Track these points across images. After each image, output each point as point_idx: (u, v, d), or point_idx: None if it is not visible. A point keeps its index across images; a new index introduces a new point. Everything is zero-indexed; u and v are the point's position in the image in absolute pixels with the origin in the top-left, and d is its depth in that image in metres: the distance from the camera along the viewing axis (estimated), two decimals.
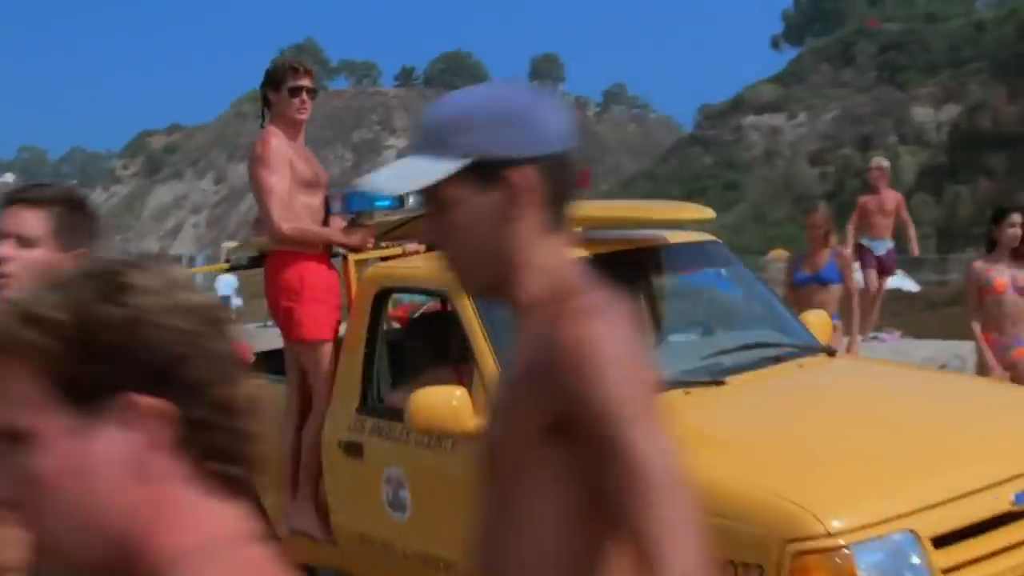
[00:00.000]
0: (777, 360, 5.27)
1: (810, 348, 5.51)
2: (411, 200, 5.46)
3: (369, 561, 5.51)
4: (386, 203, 5.66)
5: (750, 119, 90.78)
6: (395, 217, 6.35)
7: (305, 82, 5.64)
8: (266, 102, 5.71)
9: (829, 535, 3.75)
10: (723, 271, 6.01)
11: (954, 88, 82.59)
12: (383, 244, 6.23)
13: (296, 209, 5.50)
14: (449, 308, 5.82)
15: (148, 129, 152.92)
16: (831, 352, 5.58)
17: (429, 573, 5.03)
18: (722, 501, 3.78)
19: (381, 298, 5.54)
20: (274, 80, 5.66)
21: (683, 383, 4.71)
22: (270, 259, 5.66)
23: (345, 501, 5.56)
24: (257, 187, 5.51)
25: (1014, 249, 7.70)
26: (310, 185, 5.62)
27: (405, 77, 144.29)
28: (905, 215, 11.91)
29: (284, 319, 5.51)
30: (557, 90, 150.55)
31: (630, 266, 5.25)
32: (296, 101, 5.59)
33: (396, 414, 5.05)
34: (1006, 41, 72.56)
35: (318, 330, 5.49)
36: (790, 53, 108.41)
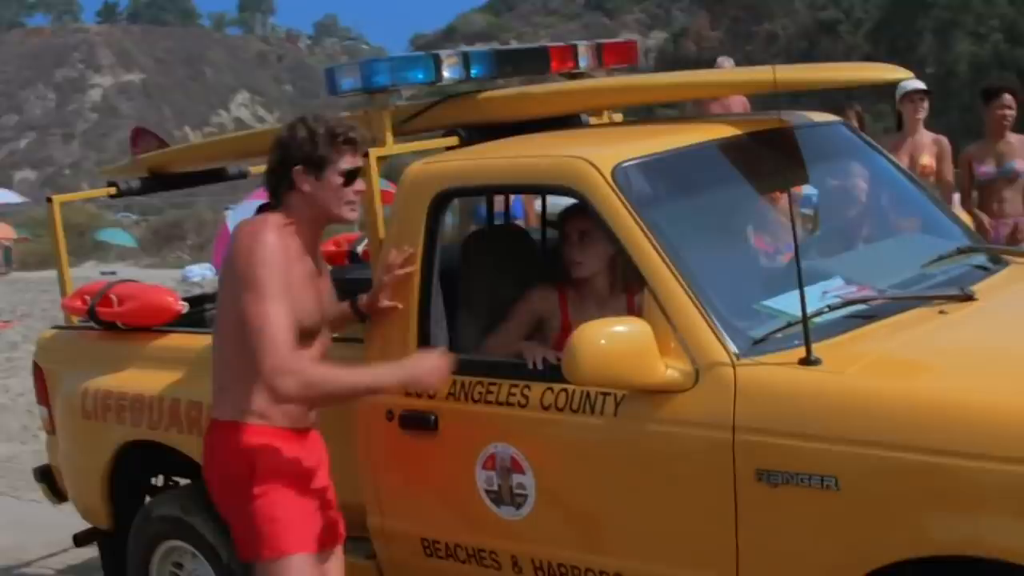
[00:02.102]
0: (986, 269, 4.14)
1: (1006, 252, 4.46)
2: (448, 72, 4.30)
3: None
4: (420, 75, 4.29)
5: (463, 48, 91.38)
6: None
7: (360, 162, 3.73)
8: (284, 177, 3.66)
9: None
10: (864, 158, 4.60)
11: (659, 15, 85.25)
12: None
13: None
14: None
15: None
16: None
17: None
18: None
19: (439, 206, 4.04)
20: (313, 154, 3.62)
21: (926, 299, 3.70)
22: (212, 430, 3.78)
23: (401, 495, 4.14)
24: (244, 312, 3.50)
25: None
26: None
27: (108, 13, 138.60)
28: None
29: (234, 525, 3.79)
30: (267, 24, 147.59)
31: (766, 151, 4.02)
32: (349, 192, 3.66)
33: (495, 367, 3.87)
34: None
35: (290, 539, 3.67)
36: None
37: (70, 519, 5.50)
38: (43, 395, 5.35)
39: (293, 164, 3.63)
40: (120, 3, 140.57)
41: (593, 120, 4.97)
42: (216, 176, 5.86)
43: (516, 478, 3.77)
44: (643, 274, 3.53)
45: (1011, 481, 2.89)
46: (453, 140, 4.44)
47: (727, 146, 3.96)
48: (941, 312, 3.63)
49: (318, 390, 3.52)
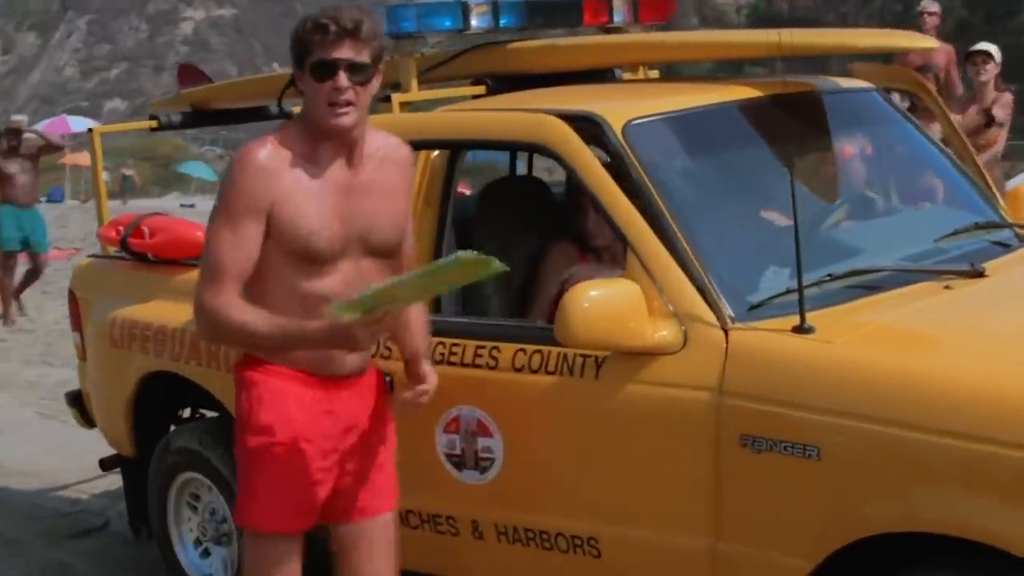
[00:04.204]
0: (1005, 246, 4.00)
1: None
2: (477, 20, 4.23)
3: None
4: (447, 23, 4.24)
5: None
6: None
7: (344, 52, 3.12)
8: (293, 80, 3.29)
9: None
10: (894, 127, 4.45)
11: None
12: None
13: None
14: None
15: None
16: None
17: (534, 557, 3.68)
18: None
19: (452, 159, 3.98)
20: (295, 47, 3.21)
21: (934, 273, 3.62)
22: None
23: None
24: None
25: None
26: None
27: None
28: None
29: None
30: None
31: (789, 115, 3.97)
32: (325, 88, 3.14)
33: (457, 328, 3.80)
34: None
35: (263, 515, 3.36)
36: None
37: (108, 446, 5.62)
38: (76, 321, 5.45)
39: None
40: None
41: (628, 76, 4.94)
42: (257, 114, 5.89)
43: (482, 442, 3.69)
44: (624, 235, 3.49)
45: (995, 463, 2.86)
46: (480, 89, 4.44)
47: (742, 108, 3.92)
48: (947, 287, 3.56)
49: (228, 337, 3.28)
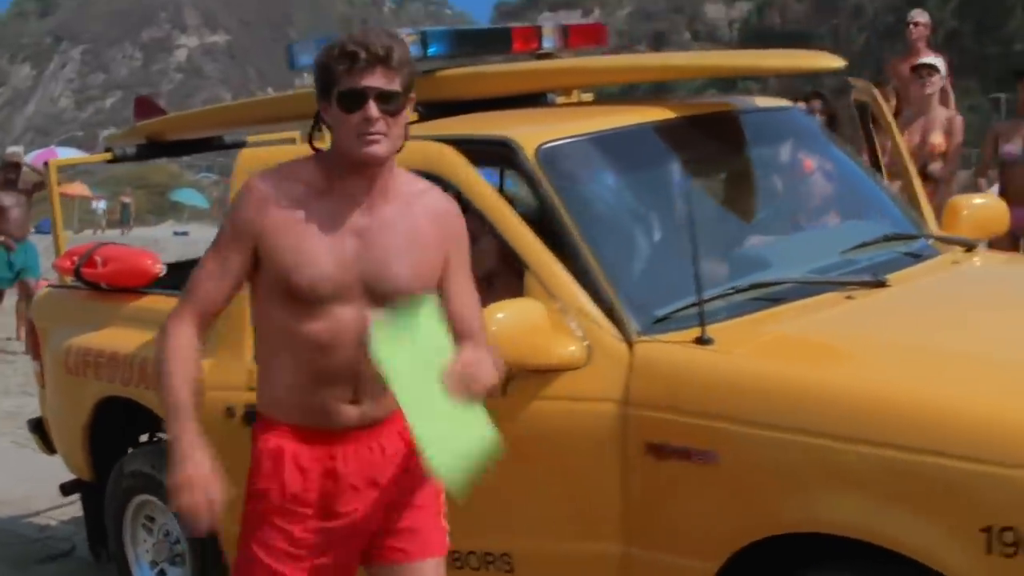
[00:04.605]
0: (916, 256, 4.15)
1: (946, 240, 4.39)
2: None
3: None
4: None
5: (546, 14, 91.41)
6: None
7: (374, 81, 2.87)
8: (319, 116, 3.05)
9: None
10: (812, 144, 4.64)
11: None
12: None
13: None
14: None
15: None
16: (970, 246, 4.39)
17: None
18: (952, 435, 2.89)
19: None
20: (320, 75, 2.96)
21: (836, 284, 3.77)
22: None
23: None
24: None
25: None
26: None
27: None
28: None
29: None
30: None
31: (707, 135, 4.12)
32: (354, 119, 2.89)
33: None
34: None
35: None
36: None
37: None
38: (35, 350, 5.60)
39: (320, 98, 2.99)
40: None
41: (561, 100, 5.07)
42: (210, 145, 6.04)
43: None
44: (521, 256, 3.61)
45: (881, 465, 2.98)
46: (412, 116, 4.57)
47: (656, 129, 4.03)
48: (848, 298, 3.70)
49: (154, 360, 3.04)
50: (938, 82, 7.87)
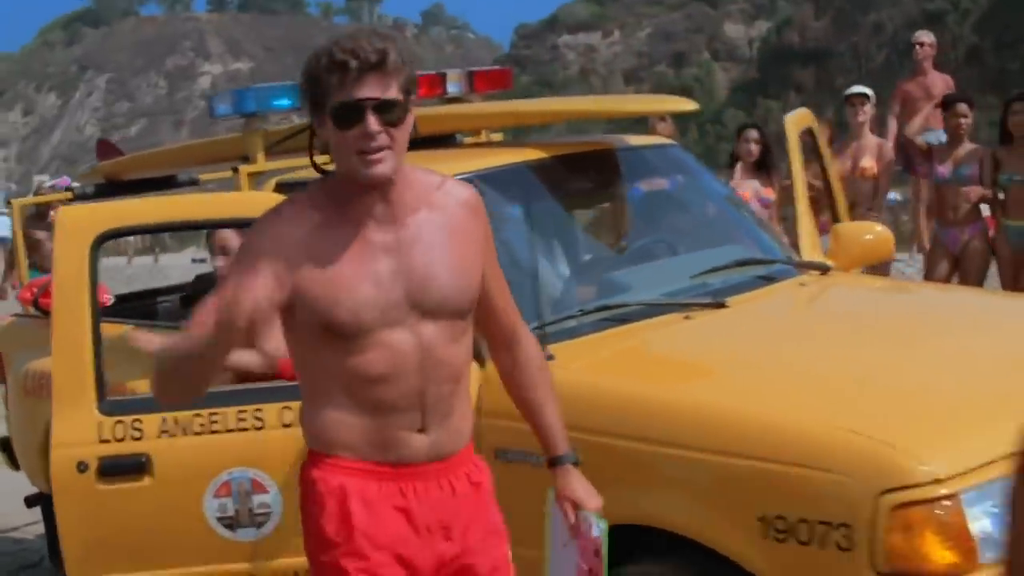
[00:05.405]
0: (770, 279, 4.53)
1: (802, 264, 4.79)
2: None
3: None
4: (285, 103, 4.67)
5: (565, 38, 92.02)
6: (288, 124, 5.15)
7: (369, 91, 2.62)
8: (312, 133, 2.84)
9: (937, 481, 3.06)
10: (685, 179, 5.06)
11: (764, 4, 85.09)
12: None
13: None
14: None
15: None
16: (825, 269, 4.78)
17: None
18: (789, 444, 3.23)
19: (99, 248, 4.09)
20: (307, 89, 2.72)
21: (678, 305, 4.13)
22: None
23: (104, 547, 4.01)
24: None
25: (755, 162, 8.23)
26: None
27: (218, 2, 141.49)
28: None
29: None
30: (375, 13, 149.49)
31: (581, 172, 4.54)
32: (352, 136, 2.64)
33: (211, 398, 3.67)
34: None
35: None
36: None
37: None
38: (1, 373, 6.10)
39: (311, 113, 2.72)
40: None
41: (469, 140, 5.53)
42: (165, 183, 6.52)
43: (258, 499, 3.95)
44: None
45: (685, 465, 3.44)
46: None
47: (531, 167, 4.49)
48: (686, 318, 4.12)
49: (154, 371, 2.77)
50: (869, 111, 8.32)
